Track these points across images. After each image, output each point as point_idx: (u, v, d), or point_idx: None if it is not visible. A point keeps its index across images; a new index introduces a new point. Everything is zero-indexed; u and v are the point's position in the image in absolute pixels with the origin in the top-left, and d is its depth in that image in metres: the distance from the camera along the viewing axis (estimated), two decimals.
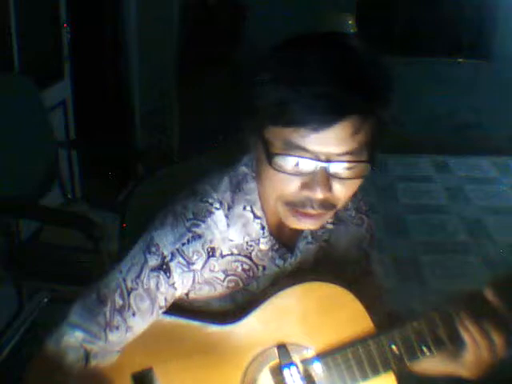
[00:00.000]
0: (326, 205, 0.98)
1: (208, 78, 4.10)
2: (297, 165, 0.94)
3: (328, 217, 1.03)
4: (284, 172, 0.95)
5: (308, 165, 0.94)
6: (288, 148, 0.93)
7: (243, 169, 1.09)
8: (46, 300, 2.62)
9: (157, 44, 4.08)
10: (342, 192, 0.97)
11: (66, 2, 3.06)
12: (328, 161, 0.93)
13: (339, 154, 0.93)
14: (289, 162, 0.94)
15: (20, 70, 2.59)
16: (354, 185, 0.99)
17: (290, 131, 0.92)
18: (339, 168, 0.95)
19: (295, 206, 0.98)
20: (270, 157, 0.95)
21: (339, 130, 0.91)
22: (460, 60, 5.14)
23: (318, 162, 0.93)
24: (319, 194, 0.95)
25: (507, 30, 4.90)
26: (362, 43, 0.96)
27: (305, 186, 0.96)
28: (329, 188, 0.95)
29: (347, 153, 0.93)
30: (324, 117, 0.90)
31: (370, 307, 1.10)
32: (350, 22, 4.58)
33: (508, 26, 4.91)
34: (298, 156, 0.93)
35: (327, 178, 0.94)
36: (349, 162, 0.94)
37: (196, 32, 4.26)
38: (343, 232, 1.19)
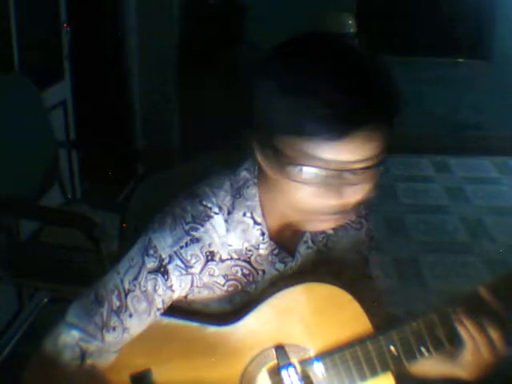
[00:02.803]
0: (339, 210, 0.98)
1: (208, 78, 4.10)
2: (309, 173, 0.93)
3: (340, 221, 1.04)
4: (296, 181, 0.94)
5: (321, 173, 0.93)
6: (300, 157, 0.92)
7: (244, 173, 1.08)
8: (45, 300, 2.62)
9: (157, 44, 4.09)
10: (354, 198, 0.97)
11: (66, 1, 3.06)
12: (341, 169, 0.92)
13: (353, 162, 0.92)
14: (301, 171, 0.93)
15: (20, 70, 2.59)
16: (366, 189, 0.98)
17: (302, 140, 0.91)
18: (352, 175, 0.94)
19: (309, 214, 0.98)
20: (281, 166, 0.94)
21: (353, 139, 0.90)
22: (460, 60, 5.14)
23: (332, 170, 0.92)
24: (333, 202, 0.95)
25: (507, 30, 4.90)
26: (366, 49, 0.96)
27: (318, 194, 0.95)
28: (342, 195, 0.95)
29: (361, 160, 0.92)
30: (338, 127, 0.89)
31: (368, 310, 1.10)
32: (349, 22, 4.58)
33: (507, 26, 4.91)
34: (311, 165, 0.92)
35: (340, 186, 0.94)
36: (362, 169, 0.93)
37: (196, 32, 4.26)
38: (342, 236, 1.19)
